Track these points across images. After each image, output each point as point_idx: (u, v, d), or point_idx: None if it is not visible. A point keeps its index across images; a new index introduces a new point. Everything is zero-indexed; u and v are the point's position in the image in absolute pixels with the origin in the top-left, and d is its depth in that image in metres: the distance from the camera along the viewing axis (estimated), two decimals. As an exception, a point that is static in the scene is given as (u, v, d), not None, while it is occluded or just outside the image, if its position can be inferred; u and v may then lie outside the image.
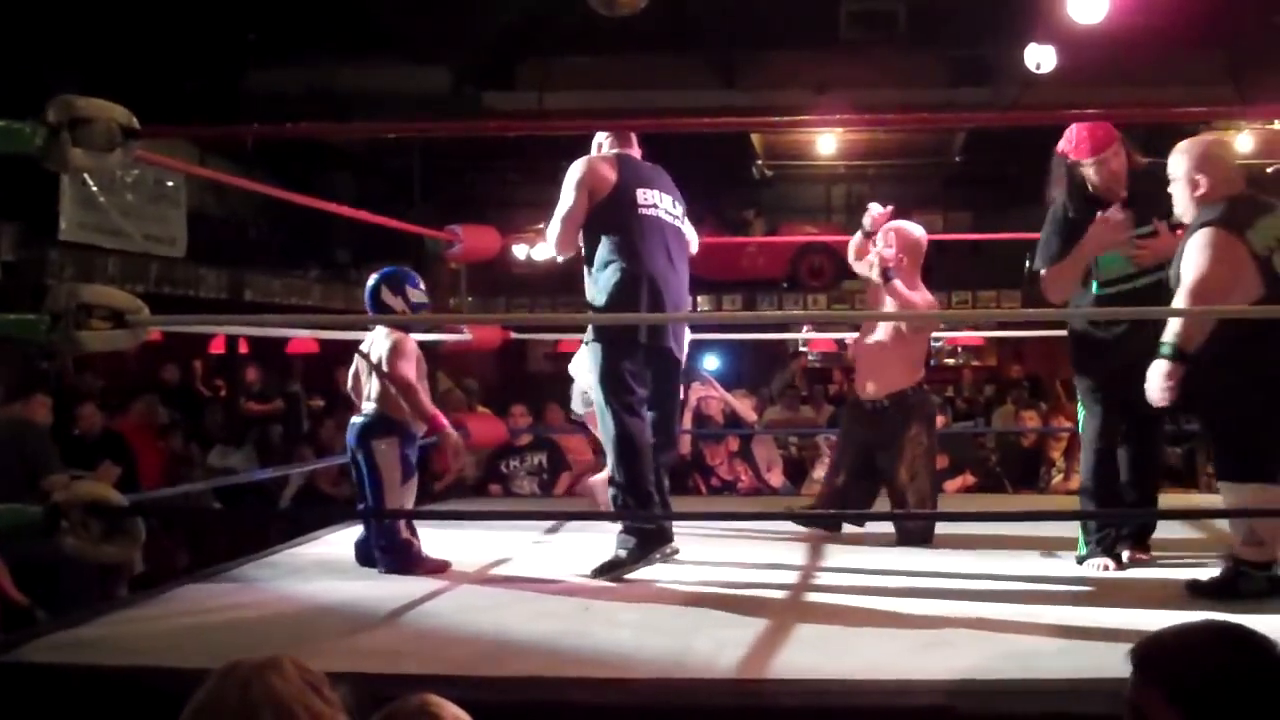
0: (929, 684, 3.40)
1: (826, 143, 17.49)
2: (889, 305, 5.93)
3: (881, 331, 5.98)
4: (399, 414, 5.37)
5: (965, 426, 11.88)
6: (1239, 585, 4.34)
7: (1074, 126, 5.04)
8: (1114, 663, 3.47)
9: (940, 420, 9.86)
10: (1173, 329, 4.34)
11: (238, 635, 4.07)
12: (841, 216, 18.48)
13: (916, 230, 6.13)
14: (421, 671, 3.50)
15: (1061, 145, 5.09)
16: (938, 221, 16.93)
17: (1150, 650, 2.18)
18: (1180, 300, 4.35)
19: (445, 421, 5.44)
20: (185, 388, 13.17)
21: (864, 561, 5.35)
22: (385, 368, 5.33)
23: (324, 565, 5.46)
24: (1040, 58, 11.55)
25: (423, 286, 5.61)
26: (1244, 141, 16.58)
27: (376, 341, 5.45)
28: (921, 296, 5.97)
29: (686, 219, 5.53)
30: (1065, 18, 10.34)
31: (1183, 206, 4.56)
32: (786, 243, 16.95)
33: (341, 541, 5.88)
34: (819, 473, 8.41)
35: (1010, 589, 4.69)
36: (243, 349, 14.87)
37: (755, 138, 17.17)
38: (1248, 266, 4.29)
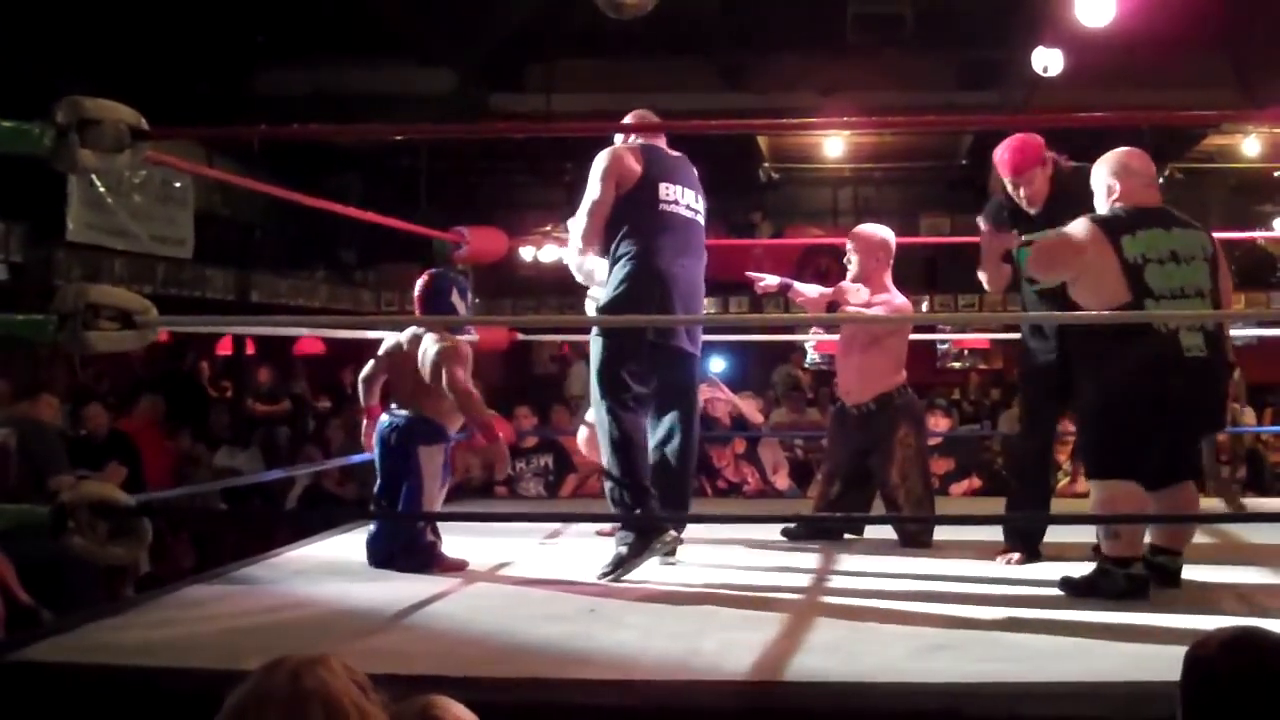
0: (936, 687, 3.40)
1: (833, 145, 17.46)
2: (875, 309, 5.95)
3: (858, 336, 5.97)
4: (440, 417, 5.35)
5: (971, 430, 11.87)
6: (1100, 584, 4.54)
7: (1009, 141, 5.32)
8: (1122, 666, 3.50)
9: (946, 423, 9.89)
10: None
11: (243, 636, 4.07)
12: (848, 219, 18.39)
13: (881, 231, 6.12)
14: (428, 672, 3.50)
15: (995, 153, 5.37)
16: (944, 224, 16.89)
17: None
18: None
19: (499, 433, 5.37)
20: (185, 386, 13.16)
21: (869, 565, 5.35)
22: (444, 373, 5.21)
23: (330, 566, 5.46)
24: (1048, 61, 11.53)
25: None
26: (1251, 145, 16.58)
27: (426, 343, 5.34)
28: (889, 299, 5.98)
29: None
30: (1073, 21, 10.33)
31: (1102, 210, 4.80)
32: (793, 245, 16.94)
33: (348, 542, 5.89)
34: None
35: (1016, 592, 4.69)
36: (249, 350, 14.88)
37: (761, 140, 17.15)
38: (1112, 268, 4.50)
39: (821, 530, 6.01)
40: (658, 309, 5.09)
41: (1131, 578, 4.49)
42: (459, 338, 5.47)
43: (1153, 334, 4.44)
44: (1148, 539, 4.74)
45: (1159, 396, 4.45)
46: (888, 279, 6.03)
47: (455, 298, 5.54)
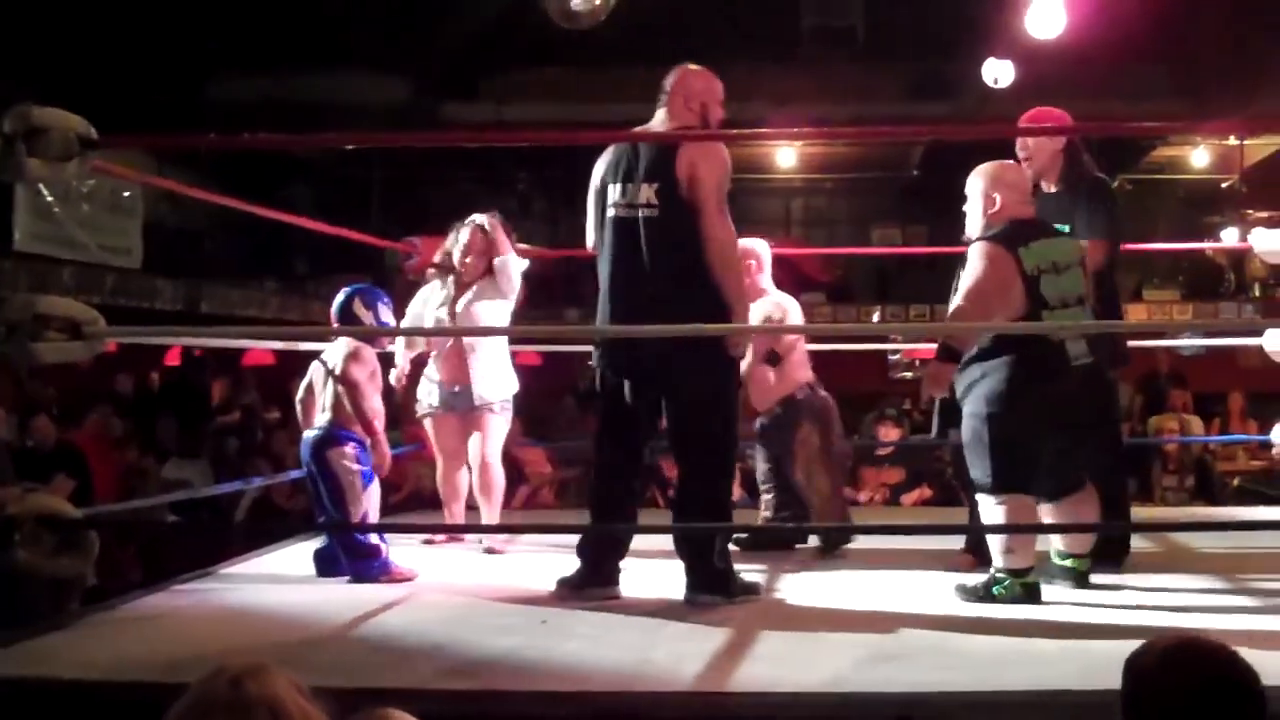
0: (885, 696, 3.42)
1: (785, 156, 17.53)
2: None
3: (756, 349, 5.91)
4: (351, 424, 5.40)
5: (922, 439, 11.91)
6: (997, 593, 4.64)
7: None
8: (1069, 674, 3.52)
9: (897, 433, 9.93)
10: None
11: (191, 649, 4.03)
12: (800, 230, 18.50)
13: (746, 243, 5.96)
14: (378, 685, 3.48)
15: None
16: (896, 235, 16.97)
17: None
18: (954, 304, 4.70)
19: (379, 429, 5.49)
20: (140, 399, 13.06)
21: (820, 575, 5.36)
22: (338, 371, 5.41)
23: (278, 579, 5.43)
24: (998, 72, 11.59)
25: (390, 308, 5.76)
26: (1200, 157, 16.75)
27: (334, 351, 5.52)
28: (778, 301, 6.04)
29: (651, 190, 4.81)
30: (1023, 33, 10.40)
31: (975, 221, 4.88)
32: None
33: (296, 555, 5.85)
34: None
35: (965, 602, 4.70)
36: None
37: (715, 150, 17.18)
38: (1016, 282, 4.60)
39: (771, 540, 6.01)
40: (605, 324, 4.96)
41: (1027, 586, 4.62)
42: (365, 345, 5.56)
43: (1046, 344, 4.58)
44: (1057, 545, 4.88)
45: (1053, 404, 4.60)
46: (765, 282, 6.07)
47: (359, 309, 5.63)
